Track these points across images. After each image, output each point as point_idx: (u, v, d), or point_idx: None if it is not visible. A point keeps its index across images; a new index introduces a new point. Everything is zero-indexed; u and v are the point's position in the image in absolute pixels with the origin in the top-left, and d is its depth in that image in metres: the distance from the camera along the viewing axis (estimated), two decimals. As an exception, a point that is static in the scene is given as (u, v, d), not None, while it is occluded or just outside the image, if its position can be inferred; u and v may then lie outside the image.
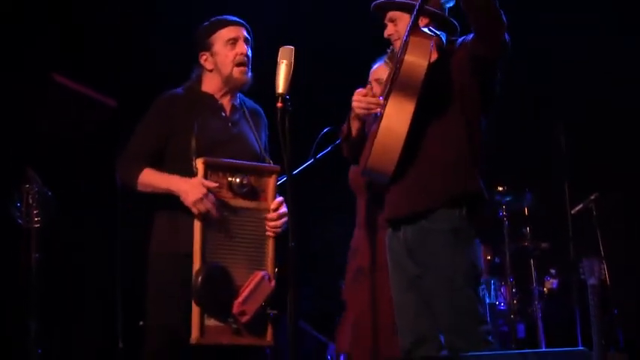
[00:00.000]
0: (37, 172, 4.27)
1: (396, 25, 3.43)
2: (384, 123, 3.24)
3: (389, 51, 3.86)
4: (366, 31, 3.53)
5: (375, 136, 3.28)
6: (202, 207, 3.49)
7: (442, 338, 3.33)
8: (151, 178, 3.60)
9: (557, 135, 5.30)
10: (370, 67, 3.99)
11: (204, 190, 3.49)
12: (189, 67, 3.80)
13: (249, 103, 3.85)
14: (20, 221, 4.25)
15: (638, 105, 5.91)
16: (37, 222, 4.21)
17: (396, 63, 3.33)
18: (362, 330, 3.94)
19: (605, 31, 5.83)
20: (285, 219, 3.59)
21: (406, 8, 3.38)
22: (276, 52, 3.22)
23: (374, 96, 3.39)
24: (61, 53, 5.35)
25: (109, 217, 4.86)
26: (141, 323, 4.43)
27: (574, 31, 5.83)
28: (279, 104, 3.16)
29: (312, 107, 4.11)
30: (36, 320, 4.21)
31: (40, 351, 4.18)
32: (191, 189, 3.50)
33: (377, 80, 3.98)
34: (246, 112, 3.80)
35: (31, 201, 4.23)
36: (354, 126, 3.48)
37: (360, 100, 3.38)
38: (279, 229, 3.61)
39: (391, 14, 3.45)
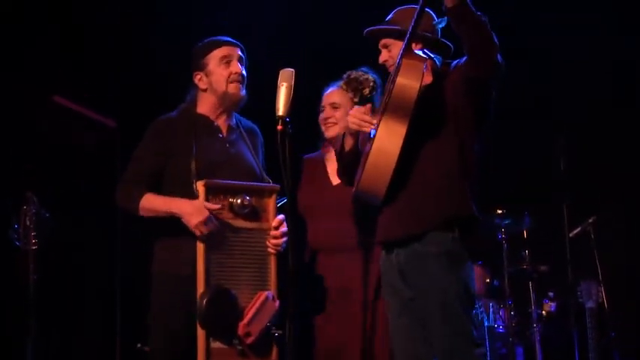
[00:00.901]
0: (34, 193, 4.27)
1: (390, 51, 3.45)
2: (375, 145, 3.26)
3: (345, 77, 3.87)
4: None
5: (366, 158, 3.29)
6: (205, 229, 3.49)
7: (437, 361, 3.33)
8: (152, 203, 3.60)
9: (557, 155, 5.31)
10: (367, 67, 3.99)
11: (207, 213, 3.49)
12: (188, 67, 3.80)
13: (245, 122, 3.86)
14: (18, 243, 4.25)
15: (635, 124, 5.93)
16: (34, 244, 4.21)
17: (389, 85, 3.34)
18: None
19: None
20: (286, 237, 3.59)
21: (398, 36, 3.39)
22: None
23: (367, 114, 3.40)
24: (61, 53, 5.36)
25: (109, 236, 4.85)
26: (139, 345, 4.43)
27: (574, 36, 5.86)
28: (279, 127, 3.18)
29: (311, 108, 4.11)
30: (33, 342, 4.20)
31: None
32: (194, 211, 3.50)
33: (331, 105, 3.99)
34: (243, 132, 3.81)
35: (28, 223, 4.23)
36: (348, 143, 3.49)
37: (355, 115, 3.39)
38: (279, 248, 3.62)
39: (384, 41, 3.47)
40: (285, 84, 3.22)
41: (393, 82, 3.24)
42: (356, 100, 3.91)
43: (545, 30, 5.85)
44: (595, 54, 5.88)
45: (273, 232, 3.63)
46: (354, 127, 3.40)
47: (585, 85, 5.89)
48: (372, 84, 3.88)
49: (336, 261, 3.94)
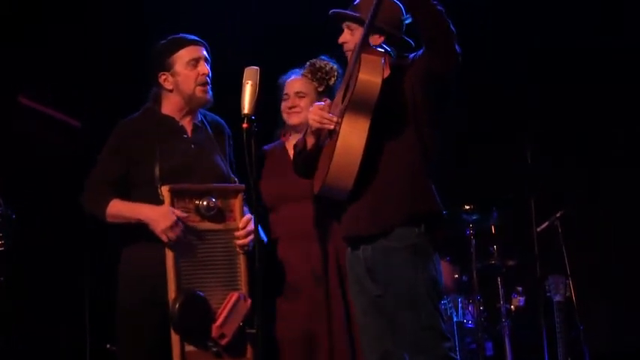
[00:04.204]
0: (1, 195, 4.24)
1: (352, 34, 3.43)
2: (340, 142, 3.26)
3: (309, 65, 3.88)
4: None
5: (330, 154, 3.29)
6: (172, 235, 3.47)
7: (406, 357, 3.33)
8: (119, 209, 3.57)
9: (524, 150, 5.34)
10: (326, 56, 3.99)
11: (174, 218, 3.47)
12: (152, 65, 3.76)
13: (210, 116, 3.83)
14: (-17, 245, 4.20)
15: (601, 120, 5.98)
16: (0, 245, 4.18)
17: (348, 80, 3.35)
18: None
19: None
20: (252, 236, 3.58)
21: (360, 22, 3.37)
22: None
23: (327, 111, 3.40)
24: (26, 53, 5.31)
25: (77, 238, 4.83)
26: (108, 346, 4.42)
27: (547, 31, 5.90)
28: (244, 125, 3.18)
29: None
30: (1, 342, 4.17)
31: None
32: (160, 217, 3.48)
33: (297, 93, 3.97)
34: (208, 129, 3.78)
35: (-6, 224, 4.19)
36: (309, 141, 3.48)
37: (316, 113, 3.38)
38: (247, 247, 3.61)
39: (349, 23, 3.45)
40: (250, 82, 3.24)
41: (355, 78, 3.24)
42: (321, 89, 3.92)
43: (517, 25, 5.90)
44: (564, 49, 5.93)
45: (238, 233, 3.61)
46: (316, 125, 3.39)
47: (554, 79, 5.93)
48: (336, 74, 3.89)
49: (300, 248, 3.92)
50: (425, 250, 3.31)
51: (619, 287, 5.93)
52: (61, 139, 4.97)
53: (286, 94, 4.01)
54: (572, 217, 5.54)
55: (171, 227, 3.47)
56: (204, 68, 3.69)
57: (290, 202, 3.93)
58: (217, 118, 3.85)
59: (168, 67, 3.69)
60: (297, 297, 3.90)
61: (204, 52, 3.73)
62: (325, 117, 3.36)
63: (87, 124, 4.68)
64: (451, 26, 3.19)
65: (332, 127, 3.34)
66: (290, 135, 4.08)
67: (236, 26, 5.50)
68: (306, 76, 3.96)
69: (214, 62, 3.77)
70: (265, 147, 4.14)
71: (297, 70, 4.04)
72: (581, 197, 5.93)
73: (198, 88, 3.68)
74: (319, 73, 3.92)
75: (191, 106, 3.72)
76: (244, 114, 3.20)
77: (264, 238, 3.90)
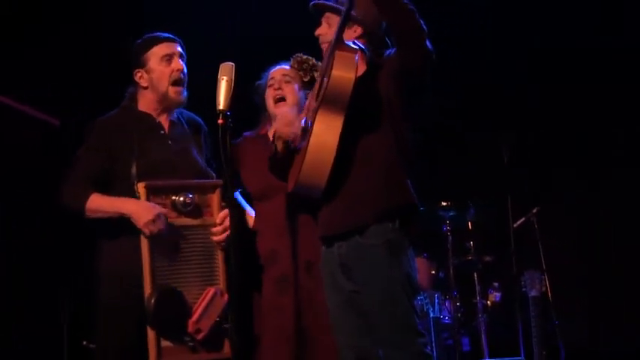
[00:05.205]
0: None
1: (330, 26, 3.42)
2: (313, 139, 3.24)
3: (295, 57, 3.89)
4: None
5: (304, 152, 3.28)
6: (155, 228, 3.48)
7: (381, 353, 3.32)
8: (99, 203, 3.56)
9: (501, 148, 5.38)
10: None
11: (156, 212, 3.48)
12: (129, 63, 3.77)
13: (187, 114, 3.84)
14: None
15: (578, 120, 6.03)
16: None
17: (322, 76, 3.34)
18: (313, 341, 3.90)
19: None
20: (227, 232, 3.59)
21: (340, 14, 3.36)
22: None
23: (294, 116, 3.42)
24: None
25: (54, 233, 4.82)
26: (84, 343, 4.42)
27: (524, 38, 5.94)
28: (220, 121, 3.19)
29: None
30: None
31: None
32: (143, 211, 3.48)
33: (284, 76, 3.96)
34: (185, 126, 3.79)
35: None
36: (279, 145, 3.48)
37: (286, 125, 3.41)
38: (224, 243, 3.61)
39: (329, 15, 3.45)
40: (225, 78, 3.23)
41: (328, 74, 3.24)
42: (306, 79, 3.92)
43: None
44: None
45: (215, 229, 3.62)
46: (290, 137, 3.40)
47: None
48: (317, 68, 3.90)
49: (290, 240, 3.91)
50: (399, 246, 3.29)
51: (594, 283, 5.98)
52: (39, 137, 4.96)
53: (272, 78, 4.01)
54: (548, 213, 5.59)
55: (154, 220, 3.47)
56: (178, 64, 3.70)
57: (278, 194, 3.92)
58: (194, 115, 3.86)
59: (142, 64, 3.71)
60: (286, 290, 3.90)
61: (179, 49, 3.74)
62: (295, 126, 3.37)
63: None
64: (422, 24, 3.19)
65: (301, 124, 3.33)
66: (270, 126, 4.08)
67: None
68: (292, 66, 3.98)
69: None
70: (246, 133, 4.13)
71: (282, 62, 4.05)
72: (557, 194, 5.98)
73: (171, 89, 3.69)
74: (305, 65, 3.93)
75: (165, 104, 3.73)
76: (219, 110, 3.20)
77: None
